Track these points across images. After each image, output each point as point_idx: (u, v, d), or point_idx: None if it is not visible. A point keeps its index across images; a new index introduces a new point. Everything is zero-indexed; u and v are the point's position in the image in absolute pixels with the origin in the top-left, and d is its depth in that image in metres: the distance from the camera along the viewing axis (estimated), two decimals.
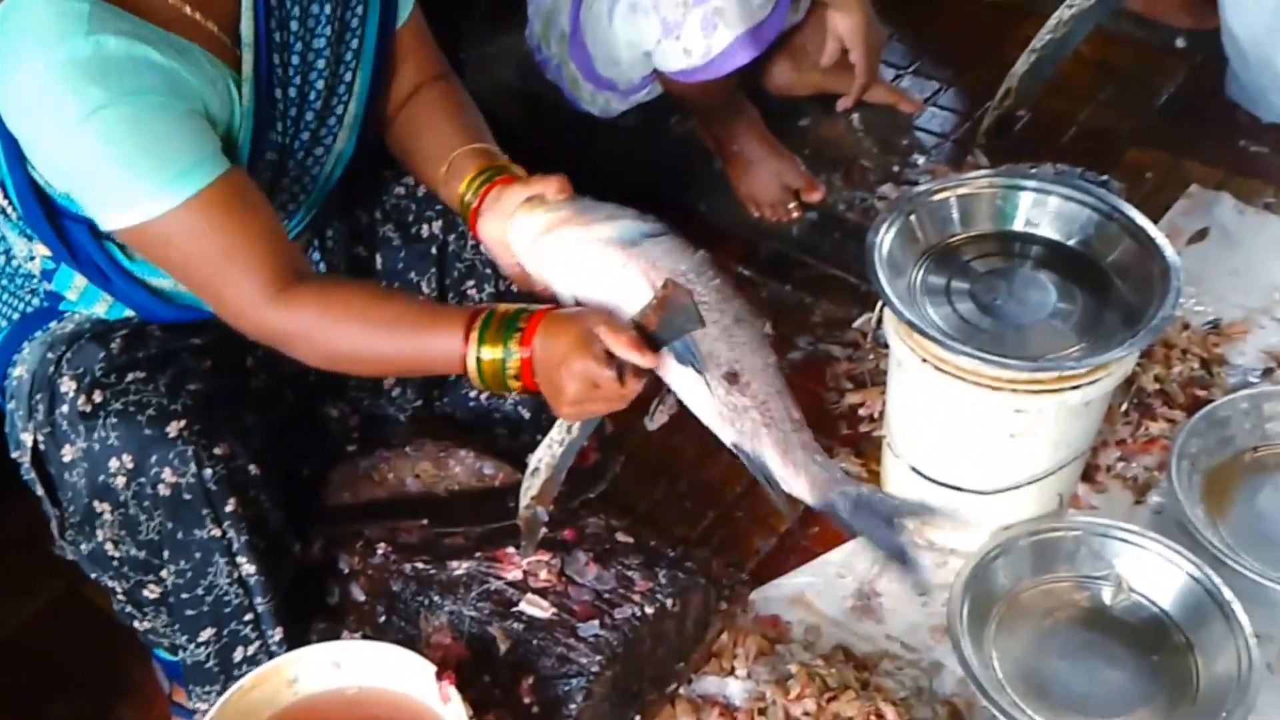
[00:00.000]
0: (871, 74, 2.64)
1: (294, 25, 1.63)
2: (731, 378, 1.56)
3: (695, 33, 2.31)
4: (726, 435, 1.59)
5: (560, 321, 1.51)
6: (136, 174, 1.46)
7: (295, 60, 1.65)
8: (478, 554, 1.83)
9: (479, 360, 1.52)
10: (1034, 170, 2.49)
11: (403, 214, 1.93)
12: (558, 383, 1.49)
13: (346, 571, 1.90)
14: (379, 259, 1.94)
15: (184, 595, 1.71)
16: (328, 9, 1.66)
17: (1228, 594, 1.84)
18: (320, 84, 1.68)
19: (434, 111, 1.81)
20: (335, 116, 1.72)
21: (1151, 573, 1.91)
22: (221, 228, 1.51)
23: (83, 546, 1.73)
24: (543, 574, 1.80)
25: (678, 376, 1.57)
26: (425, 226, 1.92)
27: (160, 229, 1.49)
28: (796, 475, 1.60)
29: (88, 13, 1.42)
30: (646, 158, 2.74)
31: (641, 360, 1.47)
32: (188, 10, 1.54)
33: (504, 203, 1.65)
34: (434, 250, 1.92)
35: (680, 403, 1.62)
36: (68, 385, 1.62)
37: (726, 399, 1.56)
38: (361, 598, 1.88)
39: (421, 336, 1.55)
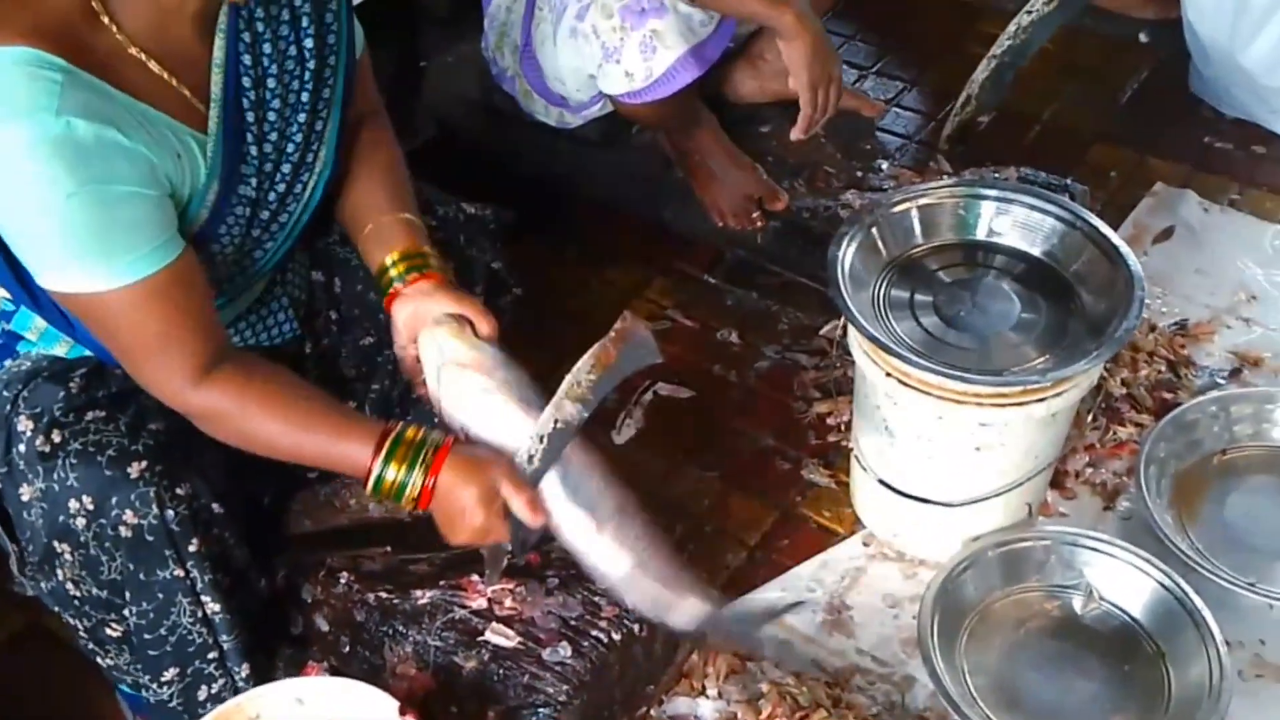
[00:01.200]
0: (816, 106, 2.35)
1: (271, 83, 1.61)
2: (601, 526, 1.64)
3: (635, 56, 2.28)
4: (612, 572, 1.67)
5: (467, 468, 1.58)
6: (87, 256, 1.45)
7: (273, 116, 1.63)
8: (442, 582, 1.81)
9: (380, 478, 1.58)
10: (997, 175, 2.49)
11: None
12: (454, 522, 1.59)
13: (310, 601, 1.87)
14: (338, 281, 1.92)
15: (146, 635, 1.69)
16: (310, 64, 1.65)
17: (1198, 602, 1.84)
18: (299, 137, 1.67)
19: (365, 161, 1.80)
20: (307, 166, 1.70)
21: (1122, 581, 1.91)
22: (158, 313, 1.51)
23: (43, 585, 1.71)
24: (508, 602, 1.78)
25: (562, 518, 1.64)
26: None
27: (96, 301, 1.48)
28: (671, 608, 1.69)
29: (59, 87, 1.39)
30: (607, 168, 2.72)
31: (534, 522, 1.59)
32: (164, 75, 1.52)
33: (430, 303, 1.69)
34: None
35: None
36: (24, 424, 1.60)
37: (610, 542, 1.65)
38: (325, 628, 1.86)
39: (332, 443, 1.60)
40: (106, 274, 1.46)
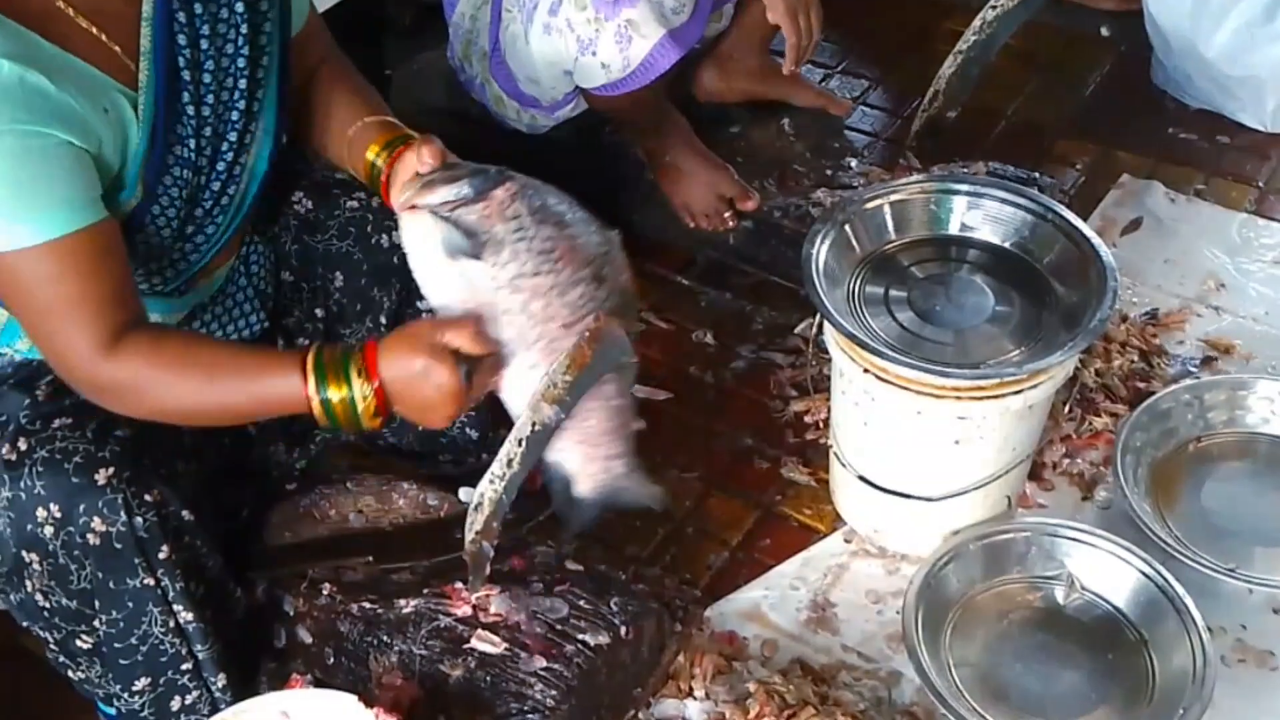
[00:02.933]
0: (800, 33, 2.38)
1: (204, 43, 1.59)
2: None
3: (610, 47, 2.27)
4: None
5: (401, 344, 1.51)
6: (2, 206, 1.42)
7: (208, 78, 1.60)
8: (426, 591, 1.80)
9: (325, 401, 1.51)
10: (966, 170, 2.50)
11: (361, 226, 1.90)
12: (429, 404, 1.51)
13: (292, 614, 1.86)
14: (339, 276, 1.91)
15: (117, 645, 1.67)
16: (243, 29, 1.63)
17: (1179, 589, 1.85)
18: (242, 104, 1.65)
19: (332, 89, 1.80)
20: (251, 133, 1.69)
21: (1103, 571, 1.91)
22: (72, 276, 1.46)
23: (12, 597, 1.69)
24: (493, 608, 1.77)
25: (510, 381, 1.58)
26: (384, 236, 1.89)
27: (7, 262, 1.45)
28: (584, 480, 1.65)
29: None
30: (578, 171, 2.69)
31: (485, 348, 1.51)
32: (93, 30, 1.50)
33: (402, 164, 1.65)
34: (395, 260, 1.88)
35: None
36: None
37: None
38: (308, 640, 1.85)
39: (259, 384, 1.53)
40: (22, 229, 1.43)
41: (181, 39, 1.57)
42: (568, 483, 1.66)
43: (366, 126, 1.74)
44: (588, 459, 1.64)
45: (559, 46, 2.33)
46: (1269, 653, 1.93)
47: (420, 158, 1.60)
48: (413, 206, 1.57)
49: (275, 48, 1.69)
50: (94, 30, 1.50)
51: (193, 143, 1.61)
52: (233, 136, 1.65)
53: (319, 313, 1.92)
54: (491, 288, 1.54)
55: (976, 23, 2.59)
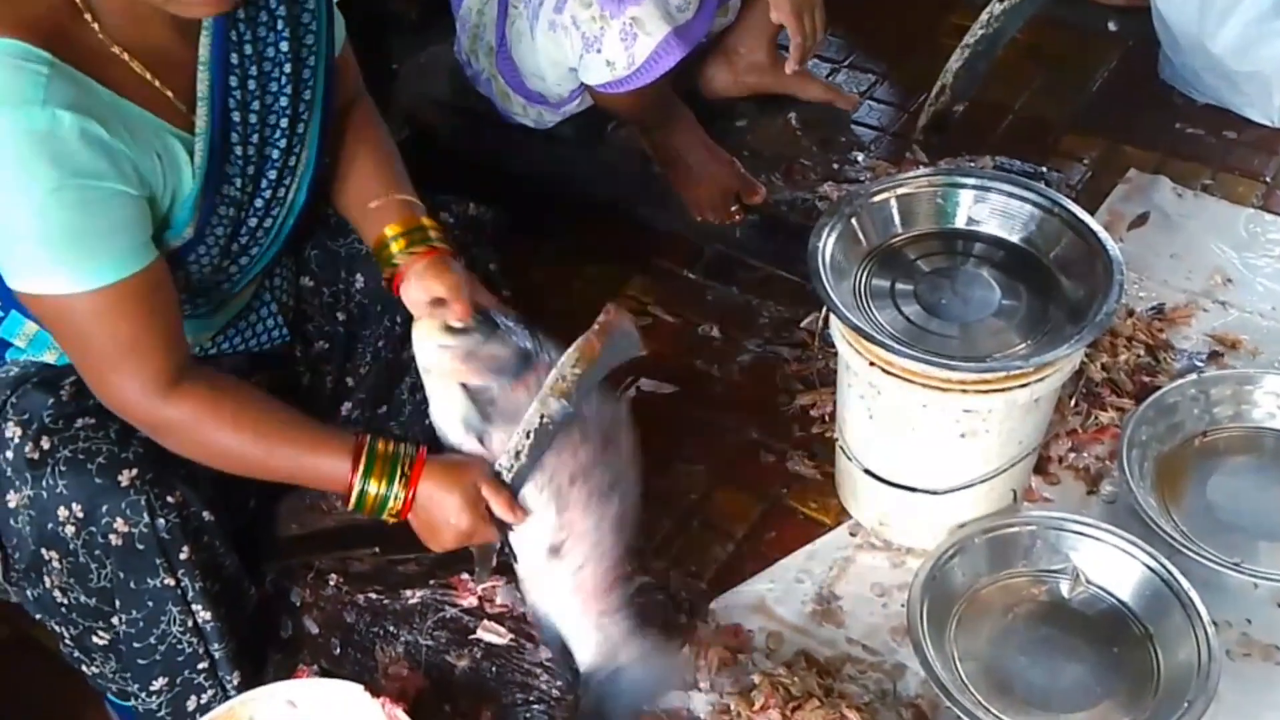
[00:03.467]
0: (805, 33, 2.44)
1: (251, 84, 1.61)
2: (554, 550, 1.66)
3: (615, 44, 2.27)
4: (529, 597, 1.71)
5: (444, 476, 1.60)
6: (63, 255, 1.44)
7: (254, 119, 1.62)
8: (431, 581, 1.81)
9: (362, 492, 1.59)
10: (973, 164, 2.50)
11: None
12: (436, 530, 1.62)
13: (299, 604, 1.87)
14: (360, 278, 1.91)
15: (136, 644, 1.68)
16: (287, 68, 1.64)
17: (1185, 583, 1.84)
18: (283, 142, 1.66)
19: (357, 148, 1.81)
20: (290, 169, 1.70)
21: (1108, 564, 1.91)
22: (127, 319, 1.50)
23: (29, 591, 1.70)
24: (499, 599, 1.78)
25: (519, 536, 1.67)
26: None
27: (64, 304, 1.47)
28: (580, 642, 1.69)
29: (45, 80, 1.39)
30: (585, 165, 2.72)
31: (515, 520, 1.61)
32: (147, 76, 1.52)
33: (420, 288, 1.68)
34: None
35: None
36: (13, 431, 1.59)
37: (546, 565, 1.67)
38: (315, 630, 1.86)
39: (307, 457, 1.60)
40: (81, 276, 1.45)
41: (233, 80, 1.58)
42: (567, 652, 1.69)
43: (388, 204, 1.75)
44: (583, 612, 1.68)
45: (564, 43, 2.33)
46: (1274, 647, 1.93)
47: (452, 311, 1.66)
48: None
49: (318, 83, 1.69)
50: (147, 75, 1.52)
51: (239, 181, 1.63)
52: (272, 174, 1.66)
53: (340, 316, 1.93)
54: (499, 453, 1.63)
55: (984, 16, 2.59)
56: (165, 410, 1.54)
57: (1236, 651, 1.92)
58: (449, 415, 1.65)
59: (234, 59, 1.58)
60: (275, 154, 1.66)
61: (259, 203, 1.67)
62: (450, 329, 1.66)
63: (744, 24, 2.67)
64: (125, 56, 1.50)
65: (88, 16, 1.46)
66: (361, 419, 1.97)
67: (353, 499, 1.60)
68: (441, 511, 1.60)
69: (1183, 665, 1.79)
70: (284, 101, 1.65)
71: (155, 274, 1.52)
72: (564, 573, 1.68)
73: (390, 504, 1.60)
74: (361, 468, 1.59)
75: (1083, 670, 1.84)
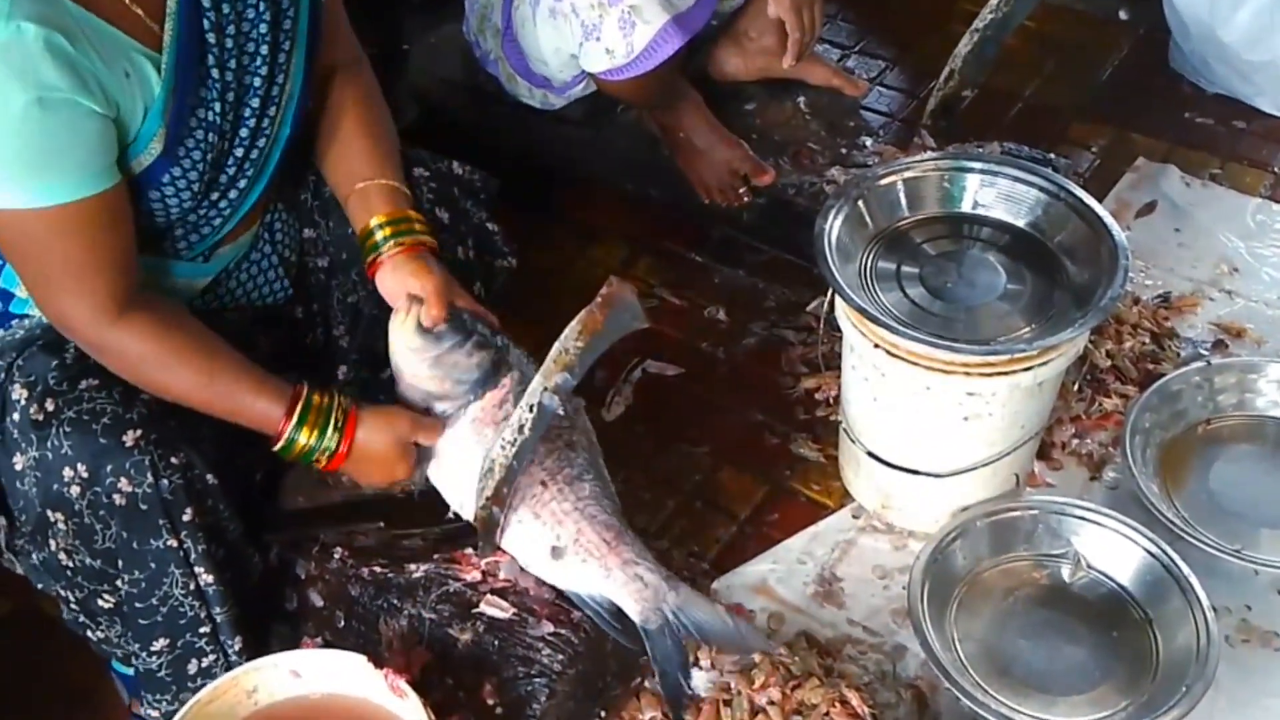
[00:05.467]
0: (803, 28, 2.47)
1: (225, 8, 1.60)
2: (555, 551, 1.74)
3: (614, 32, 2.27)
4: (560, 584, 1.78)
5: (380, 426, 1.70)
6: (21, 169, 1.44)
7: (229, 43, 1.61)
8: (436, 556, 1.82)
9: (291, 440, 1.66)
10: (981, 150, 2.50)
11: None
12: (369, 472, 1.74)
13: (304, 577, 1.88)
14: (330, 224, 1.92)
15: (138, 604, 1.69)
16: None
17: (1185, 569, 1.85)
18: (264, 69, 1.66)
19: (350, 118, 1.82)
20: (273, 99, 1.70)
21: (1109, 549, 1.92)
22: (81, 240, 1.51)
23: (34, 556, 1.71)
24: (502, 574, 1.79)
25: (515, 542, 1.76)
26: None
27: (17, 219, 1.48)
28: (622, 594, 1.74)
29: None
30: (592, 147, 2.72)
31: (432, 440, 1.74)
32: None
33: (398, 281, 1.74)
34: None
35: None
36: (18, 393, 1.60)
37: (555, 565, 1.75)
38: (320, 603, 1.87)
39: (246, 396, 1.65)
40: (37, 192, 1.46)
41: (205, 1, 1.58)
42: (620, 615, 1.74)
43: (376, 189, 1.78)
44: (606, 573, 1.73)
45: (564, 31, 2.33)
46: (1273, 633, 1.94)
47: (426, 313, 1.72)
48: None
49: (301, 15, 1.69)
50: (127, 1, 1.51)
51: (218, 106, 1.62)
52: (255, 102, 1.66)
53: (322, 263, 1.93)
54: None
55: (994, 1, 2.58)
56: (111, 334, 1.56)
57: (1236, 637, 1.93)
58: (414, 388, 1.76)
59: None
60: (257, 81, 1.66)
61: (244, 132, 1.67)
62: (423, 330, 1.71)
63: (754, 8, 2.66)
64: None
65: None
66: (358, 380, 1.95)
67: (280, 444, 1.66)
68: (377, 459, 1.71)
69: (1182, 650, 1.79)
70: (263, 29, 1.64)
71: (114, 198, 1.53)
72: (571, 557, 1.72)
73: (317, 454, 1.67)
74: (295, 418, 1.65)
75: (1082, 653, 1.85)
